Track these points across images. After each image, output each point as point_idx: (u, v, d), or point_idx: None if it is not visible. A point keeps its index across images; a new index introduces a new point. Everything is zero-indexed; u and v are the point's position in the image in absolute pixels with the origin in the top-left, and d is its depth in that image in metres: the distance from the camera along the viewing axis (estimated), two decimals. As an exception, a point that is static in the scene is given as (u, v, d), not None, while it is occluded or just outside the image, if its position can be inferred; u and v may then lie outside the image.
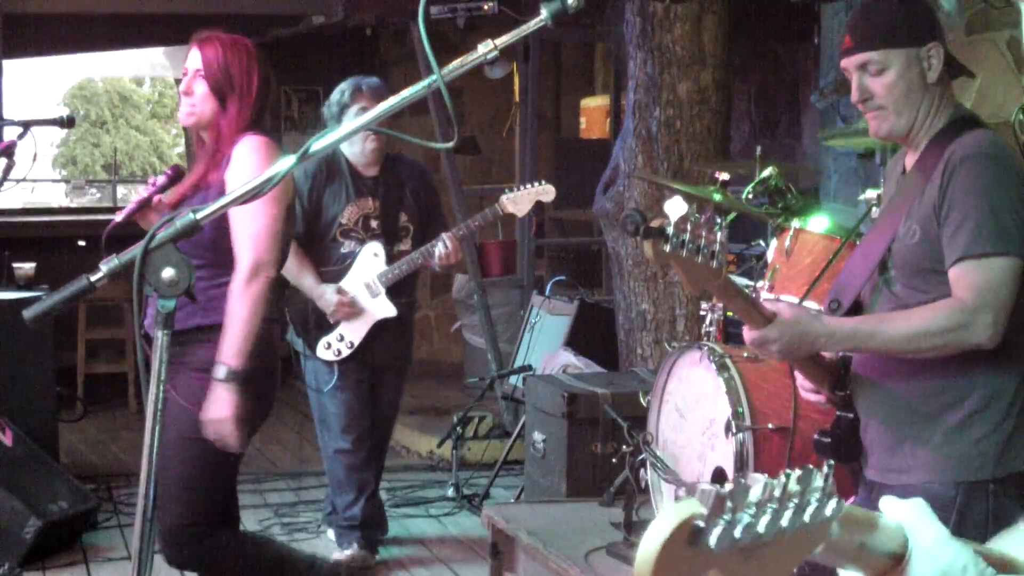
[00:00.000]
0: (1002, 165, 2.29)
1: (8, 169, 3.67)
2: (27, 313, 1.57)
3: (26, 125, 3.62)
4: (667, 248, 1.85)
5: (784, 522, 0.93)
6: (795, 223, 3.33)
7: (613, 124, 7.71)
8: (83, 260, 2.51)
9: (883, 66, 2.36)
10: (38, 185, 17.93)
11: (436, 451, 5.97)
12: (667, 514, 0.92)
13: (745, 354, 3.16)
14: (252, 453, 5.89)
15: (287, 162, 1.57)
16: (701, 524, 0.91)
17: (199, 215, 1.52)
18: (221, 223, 3.03)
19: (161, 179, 3.19)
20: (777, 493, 0.93)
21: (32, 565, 4.48)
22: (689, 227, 1.86)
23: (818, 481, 0.96)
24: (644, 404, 3.65)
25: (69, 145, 24.24)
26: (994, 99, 4.41)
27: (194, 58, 3.17)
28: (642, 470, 3.54)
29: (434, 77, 1.53)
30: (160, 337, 1.55)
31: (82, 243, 7.46)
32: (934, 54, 2.37)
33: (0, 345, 5.06)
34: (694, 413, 3.36)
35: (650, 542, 0.91)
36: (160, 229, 1.51)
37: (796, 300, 3.15)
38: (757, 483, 0.93)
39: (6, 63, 6.57)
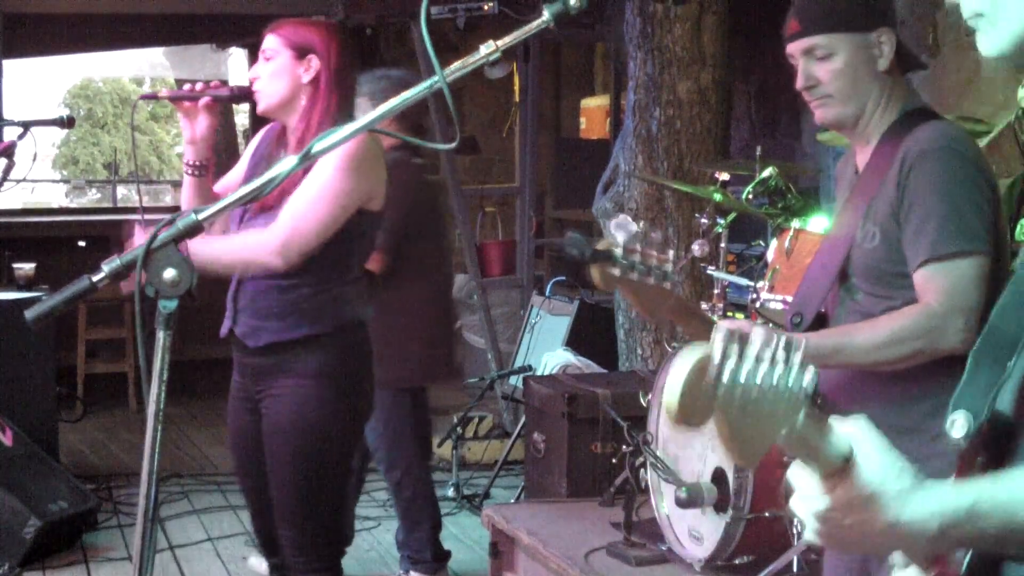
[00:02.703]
0: (961, 158, 2.17)
1: (8, 169, 3.66)
2: (28, 313, 1.57)
3: (26, 125, 3.61)
4: (616, 272, 1.76)
5: (773, 380, 1.10)
6: (795, 223, 3.32)
7: (613, 124, 7.72)
8: (83, 260, 2.49)
9: (830, 51, 2.26)
10: (38, 185, 17.93)
11: (436, 451, 5.97)
12: (689, 352, 1.10)
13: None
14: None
15: (289, 162, 1.57)
16: (717, 360, 1.08)
17: (201, 216, 1.52)
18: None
19: (225, 91, 2.97)
20: (768, 354, 1.10)
21: (32, 565, 4.48)
22: (639, 247, 1.77)
23: (797, 356, 1.12)
24: (644, 404, 3.65)
25: (69, 145, 24.23)
26: (994, 99, 4.41)
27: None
28: (642, 470, 3.54)
29: (436, 78, 1.53)
30: (162, 337, 1.55)
31: (82, 243, 7.47)
32: (885, 40, 2.26)
33: (0, 345, 5.06)
34: (694, 413, 3.36)
35: (677, 374, 1.10)
36: (161, 229, 1.51)
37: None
38: (757, 338, 1.10)
39: (6, 63, 6.56)
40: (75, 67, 20.91)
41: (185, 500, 5.42)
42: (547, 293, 6.57)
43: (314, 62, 2.94)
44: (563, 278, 6.77)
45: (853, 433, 1.17)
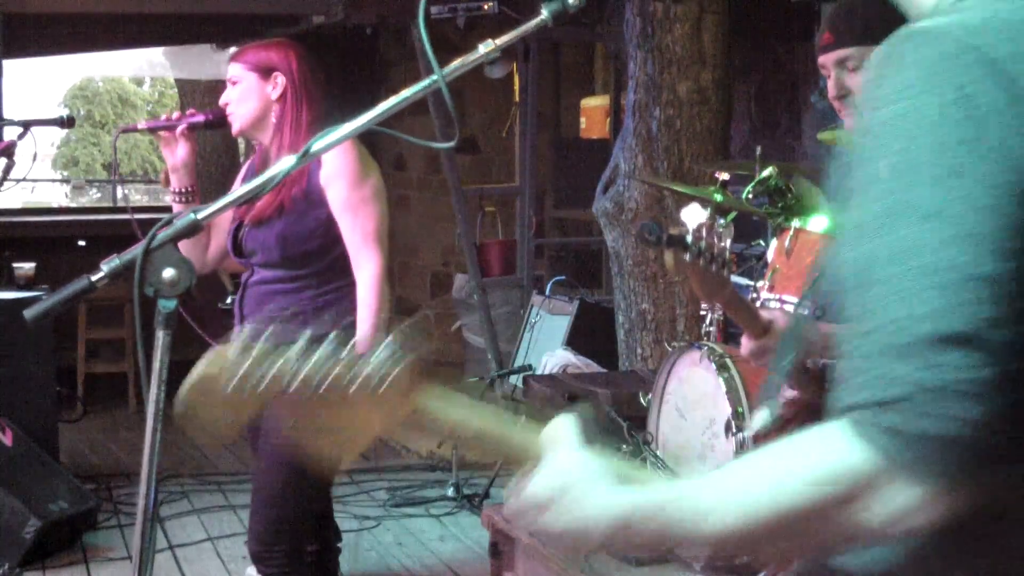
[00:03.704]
0: None
1: (8, 169, 3.67)
2: (27, 313, 1.57)
3: (26, 125, 3.62)
4: (687, 257, 1.84)
5: (337, 370, 1.09)
6: (795, 223, 3.32)
7: (613, 124, 7.71)
8: (83, 260, 2.51)
9: (862, 63, 2.35)
10: (38, 185, 17.93)
11: (436, 451, 5.97)
12: (201, 361, 1.10)
13: (745, 354, 3.16)
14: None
15: (288, 161, 1.57)
16: (228, 365, 1.09)
17: (200, 215, 1.52)
18: (329, 232, 3.02)
19: (200, 117, 3.13)
20: (336, 354, 1.10)
21: (32, 565, 4.48)
22: (705, 235, 1.85)
23: (386, 351, 1.12)
24: (644, 404, 3.65)
25: (70, 145, 24.23)
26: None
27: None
28: (642, 470, 3.54)
29: (435, 77, 1.53)
30: (161, 337, 1.55)
31: (82, 243, 7.46)
32: None
33: (0, 345, 5.06)
34: (694, 413, 3.37)
35: (189, 378, 1.09)
36: (160, 229, 1.51)
37: (796, 300, 3.15)
38: (298, 344, 1.12)
39: (6, 63, 6.56)
40: (75, 67, 20.91)
41: (185, 500, 5.42)
42: (547, 293, 6.57)
43: (280, 79, 3.09)
44: (563, 278, 6.77)
45: (549, 434, 1.18)
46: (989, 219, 0.96)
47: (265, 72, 3.09)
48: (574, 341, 5.94)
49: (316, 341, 1.10)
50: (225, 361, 1.08)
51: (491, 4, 5.43)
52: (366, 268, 3.00)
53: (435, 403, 1.15)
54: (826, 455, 1.01)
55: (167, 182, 3.28)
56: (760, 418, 1.36)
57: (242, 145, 10.21)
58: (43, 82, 19.15)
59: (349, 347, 1.10)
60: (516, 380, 5.85)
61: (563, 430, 1.18)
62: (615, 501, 1.12)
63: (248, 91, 3.10)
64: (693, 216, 1.79)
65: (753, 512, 1.04)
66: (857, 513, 1.00)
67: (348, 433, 1.12)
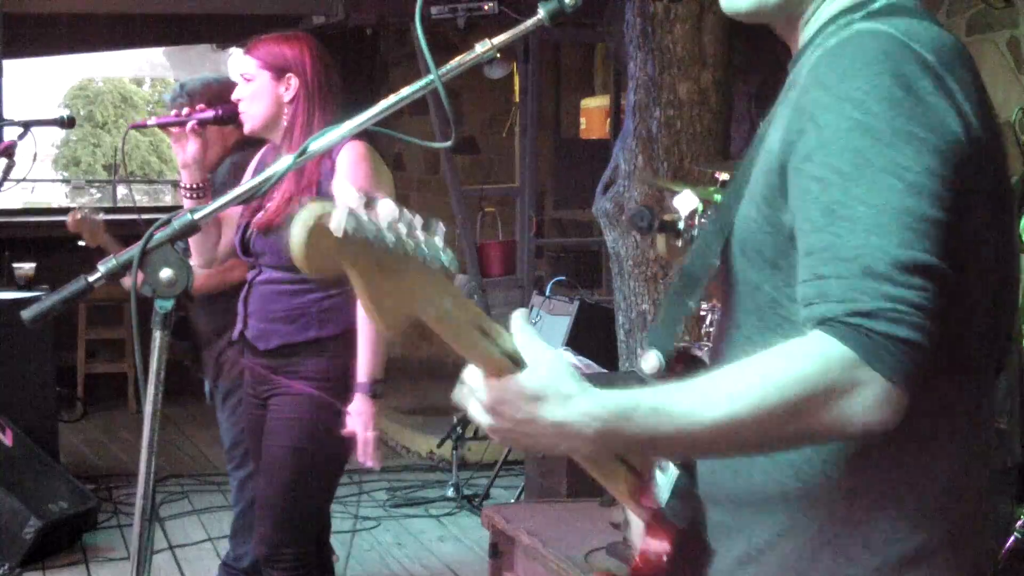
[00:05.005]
0: None
1: (8, 169, 3.67)
2: (25, 314, 1.57)
3: (26, 125, 3.61)
4: (679, 243, 1.86)
5: (409, 248, 1.12)
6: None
7: (613, 124, 7.71)
8: (83, 260, 2.51)
9: None
10: (38, 185, 17.93)
11: (436, 451, 5.97)
12: (315, 205, 1.09)
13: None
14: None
15: (285, 161, 1.57)
16: (344, 213, 1.08)
17: (197, 216, 1.52)
18: None
19: (211, 113, 3.08)
20: (405, 223, 1.13)
21: (32, 565, 4.48)
22: (697, 222, 1.87)
23: (440, 234, 1.17)
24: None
25: (70, 145, 24.23)
26: (994, 99, 4.41)
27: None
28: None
29: (431, 77, 1.53)
30: (159, 337, 1.55)
31: (82, 243, 7.46)
32: None
33: (0, 345, 5.06)
34: (694, 413, 3.36)
35: (301, 222, 1.08)
36: (157, 230, 1.51)
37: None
38: (391, 206, 1.12)
39: (6, 63, 6.56)
40: (75, 67, 20.93)
41: (185, 500, 5.43)
42: (547, 293, 6.56)
43: (292, 81, 3.03)
44: (563, 278, 6.76)
45: (520, 332, 1.25)
46: (933, 177, 1.21)
47: (278, 72, 3.03)
48: (574, 341, 5.94)
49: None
50: (333, 208, 1.09)
51: (491, 4, 5.43)
52: None
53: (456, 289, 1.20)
54: (810, 356, 1.19)
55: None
56: (652, 361, 1.43)
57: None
58: (43, 82, 19.16)
59: (433, 227, 1.16)
60: (516, 380, 5.84)
61: (528, 331, 1.25)
62: (611, 398, 1.22)
63: (260, 91, 3.04)
64: (686, 203, 1.82)
65: (743, 407, 1.19)
66: (839, 404, 1.18)
67: (395, 301, 1.15)
